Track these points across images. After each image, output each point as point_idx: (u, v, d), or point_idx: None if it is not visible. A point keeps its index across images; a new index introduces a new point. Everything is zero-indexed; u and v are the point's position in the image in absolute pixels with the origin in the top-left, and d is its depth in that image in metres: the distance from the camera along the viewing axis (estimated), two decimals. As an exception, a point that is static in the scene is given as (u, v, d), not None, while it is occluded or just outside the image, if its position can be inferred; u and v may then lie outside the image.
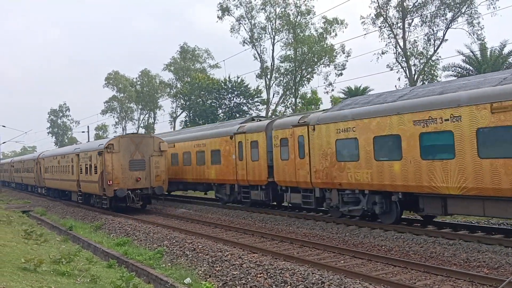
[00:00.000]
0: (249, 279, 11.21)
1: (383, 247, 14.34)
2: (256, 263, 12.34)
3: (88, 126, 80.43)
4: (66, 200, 36.93)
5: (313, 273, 10.91)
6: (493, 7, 34.95)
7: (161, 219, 23.80)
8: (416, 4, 38.25)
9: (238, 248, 14.85)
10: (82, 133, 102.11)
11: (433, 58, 39.22)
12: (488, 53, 35.88)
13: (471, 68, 35.78)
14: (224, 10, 51.74)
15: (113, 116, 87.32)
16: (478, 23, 36.68)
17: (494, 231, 15.04)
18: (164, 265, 13.82)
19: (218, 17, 52.25)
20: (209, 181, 27.19)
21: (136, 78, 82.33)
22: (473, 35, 36.91)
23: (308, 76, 51.87)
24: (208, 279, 11.89)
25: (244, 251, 14.25)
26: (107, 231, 21.58)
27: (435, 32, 38.37)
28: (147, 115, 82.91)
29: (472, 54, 35.95)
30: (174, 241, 16.56)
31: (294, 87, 51.38)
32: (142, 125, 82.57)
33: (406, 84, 38.98)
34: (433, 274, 10.96)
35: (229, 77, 53.59)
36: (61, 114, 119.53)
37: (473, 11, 36.80)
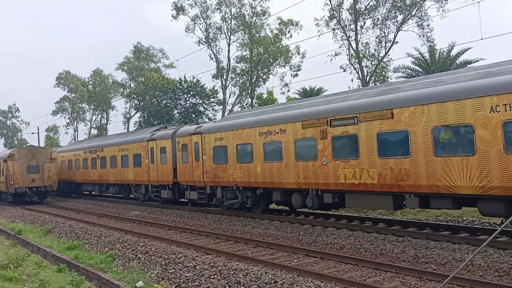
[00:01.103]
0: (203, 281, 11.14)
1: (336, 245, 14.57)
2: (209, 264, 12.28)
3: (38, 127, 77.91)
4: None
5: (266, 273, 10.94)
6: (442, 10, 36.15)
7: (114, 222, 23.35)
8: (368, 7, 39.04)
9: (192, 250, 14.74)
10: (32, 134, 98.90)
11: (385, 60, 40.14)
12: (437, 55, 37.04)
13: (420, 69, 36.85)
14: (179, 10, 51.25)
15: (64, 117, 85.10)
16: (428, 25, 37.87)
17: (442, 227, 15.54)
18: (116, 269, 13.53)
19: (172, 16, 51.79)
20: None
21: (88, 78, 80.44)
22: (423, 37, 38.05)
23: (264, 76, 52.14)
24: (160, 282, 11.73)
25: (198, 253, 14.16)
26: (57, 235, 20.98)
27: (386, 34, 39.29)
28: (99, 116, 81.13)
29: (421, 56, 37.05)
30: (126, 244, 16.27)
31: (250, 88, 51.51)
32: (94, 126, 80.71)
33: (359, 85, 39.77)
34: (383, 271, 11.20)
35: (184, 77, 53.17)
36: (10, 115, 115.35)
37: (423, 14, 37.94)
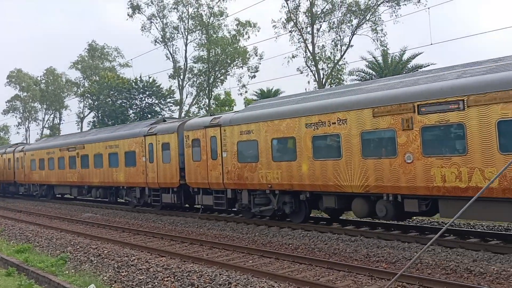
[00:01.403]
0: (156, 284, 11.01)
1: (290, 245, 14.70)
2: (163, 266, 12.16)
3: (-12, 127, 75.31)
4: None
5: (220, 274, 10.93)
6: (395, 15, 37.17)
7: (66, 224, 22.77)
8: (324, 11, 39.64)
9: (145, 252, 14.56)
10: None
11: (340, 63, 40.88)
12: (390, 59, 38.04)
13: (373, 73, 37.73)
14: (135, 8, 50.50)
15: (16, 116, 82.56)
16: (381, 30, 38.86)
17: (393, 227, 15.97)
18: (67, 272, 13.19)
19: (128, 15, 50.93)
20: None
21: (40, 76, 78.22)
22: (377, 41, 39.04)
23: (221, 77, 52.07)
24: (113, 285, 11.52)
25: (151, 255, 14.00)
26: (6, 238, 20.26)
27: (341, 38, 40.05)
28: (52, 115, 78.98)
29: (375, 60, 37.97)
30: (78, 247, 15.90)
31: (207, 88, 51.31)
32: (46, 125, 78.47)
33: (315, 87, 40.30)
34: (336, 270, 11.39)
35: (140, 76, 52.40)
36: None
37: (376, 19, 38.91)
